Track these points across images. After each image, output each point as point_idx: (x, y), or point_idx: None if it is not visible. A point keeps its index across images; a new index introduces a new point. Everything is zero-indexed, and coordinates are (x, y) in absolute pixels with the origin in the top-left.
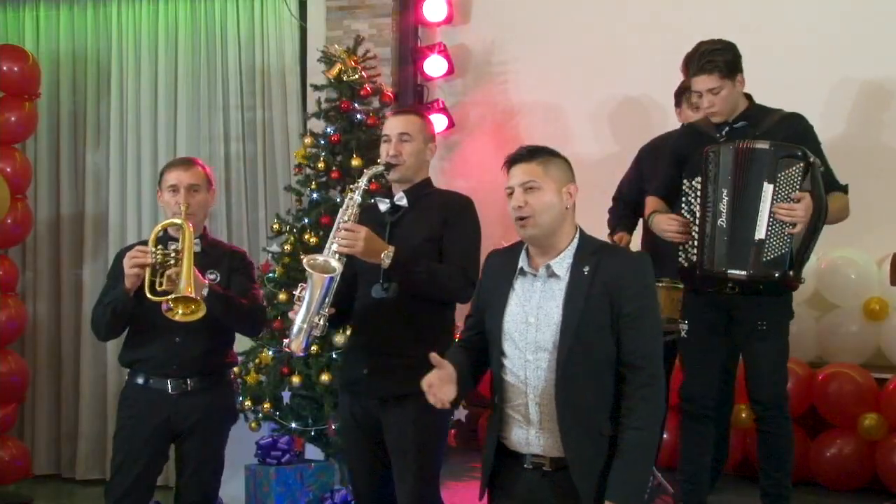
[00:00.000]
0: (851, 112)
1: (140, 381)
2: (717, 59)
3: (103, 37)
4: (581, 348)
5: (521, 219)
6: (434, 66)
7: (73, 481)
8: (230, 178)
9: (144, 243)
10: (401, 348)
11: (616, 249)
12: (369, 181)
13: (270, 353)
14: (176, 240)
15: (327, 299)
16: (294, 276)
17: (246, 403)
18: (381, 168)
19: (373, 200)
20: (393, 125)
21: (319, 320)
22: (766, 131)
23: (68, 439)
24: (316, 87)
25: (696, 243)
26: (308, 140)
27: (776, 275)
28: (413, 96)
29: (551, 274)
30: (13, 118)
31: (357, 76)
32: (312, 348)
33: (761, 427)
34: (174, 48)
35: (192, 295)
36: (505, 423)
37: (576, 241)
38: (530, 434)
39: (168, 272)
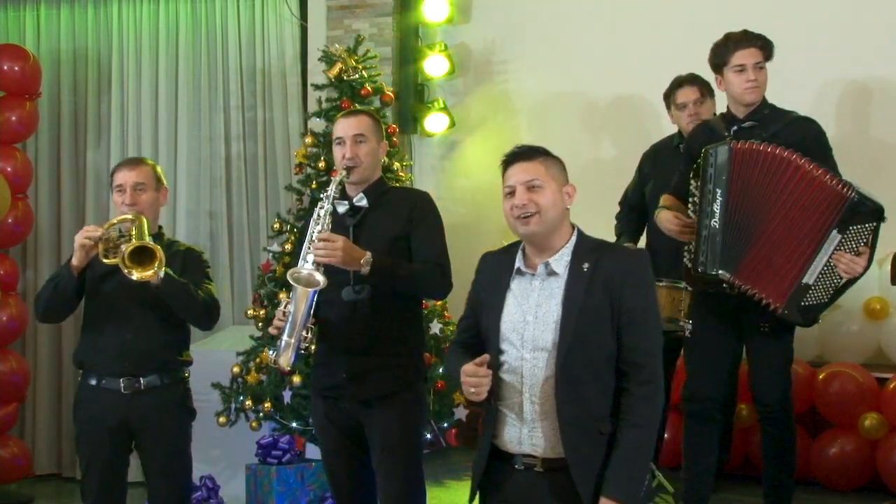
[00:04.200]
0: (846, 111)
1: (93, 382)
2: (764, 39)
3: (104, 36)
4: (581, 346)
5: (525, 216)
6: (435, 65)
7: (73, 480)
8: (231, 178)
9: None
10: (378, 348)
11: (615, 247)
12: (338, 188)
13: (271, 353)
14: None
15: (311, 311)
16: None
17: (247, 403)
18: (345, 173)
19: (327, 204)
20: (346, 127)
21: (307, 333)
22: (776, 133)
23: (69, 439)
24: (316, 87)
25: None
26: (309, 139)
27: (802, 320)
28: (414, 96)
29: (550, 272)
30: (14, 118)
31: (358, 76)
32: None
33: (766, 428)
34: (175, 47)
35: (149, 245)
36: (498, 422)
37: (574, 239)
38: (522, 433)
39: (122, 247)
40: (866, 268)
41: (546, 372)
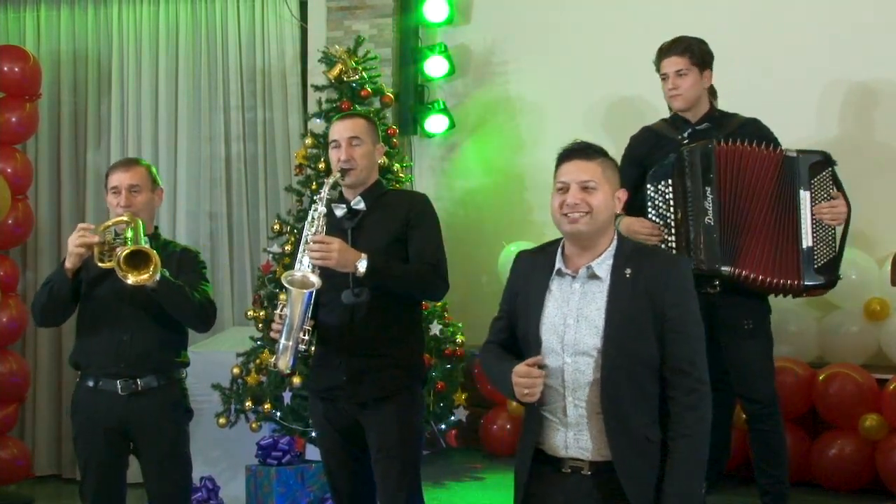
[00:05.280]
0: (848, 112)
1: (90, 384)
2: (690, 44)
3: (104, 37)
4: (624, 352)
5: (575, 216)
6: (435, 66)
7: (73, 482)
8: (231, 179)
9: None
10: (377, 350)
11: (655, 252)
12: (331, 190)
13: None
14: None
15: (308, 313)
16: None
17: (247, 404)
18: (339, 175)
19: (321, 206)
20: (342, 129)
21: (304, 335)
22: (730, 134)
23: (69, 439)
24: (316, 88)
25: (671, 247)
26: (309, 140)
27: (826, 280)
28: (413, 97)
29: (592, 275)
30: (14, 119)
31: (358, 77)
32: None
33: (756, 426)
34: (175, 48)
35: (144, 248)
36: (542, 427)
37: (615, 242)
38: (568, 436)
39: (117, 250)
40: (848, 207)
41: (588, 376)
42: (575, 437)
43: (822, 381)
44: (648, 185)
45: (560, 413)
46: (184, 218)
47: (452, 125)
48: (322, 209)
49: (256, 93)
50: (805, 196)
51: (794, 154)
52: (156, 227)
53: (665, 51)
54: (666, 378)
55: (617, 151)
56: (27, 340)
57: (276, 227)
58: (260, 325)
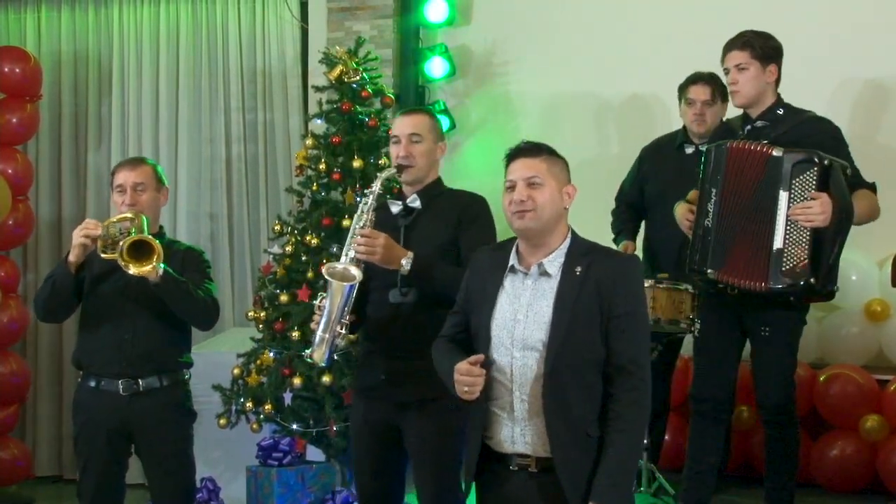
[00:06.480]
0: (851, 113)
1: (92, 384)
2: (753, 39)
3: (105, 38)
4: (570, 348)
5: (522, 211)
6: (435, 67)
7: (74, 482)
8: (231, 180)
9: None
10: (419, 352)
11: (607, 251)
12: (383, 185)
13: (271, 354)
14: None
15: (347, 307)
16: (295, 277)
17: (247, 405)
18: (393, 170)
19: (371, 199)
20: (402, 125)
21: (341, 329)
22: (786, 132)
23: (69, 440)
24: (317, 89)
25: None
26: (309, 141)
27: (801, 283)
28: (414, 98)
29: (543, 272)
30: (15, 119)
31: (358, 78)
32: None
33: (767, 431)
34: (175, 49)
35: (147, 239)
36: (490, 422)
37: (568, 241)
38: (515, 432)
39: (120, 242)
40: (835, 213)
41: (535, 371)
42: (521, 433)
43: (823, 382)
44: None
45: (508, 407)
46: (184, 219)
47: (453, 126)
48: (372, 202)
49: (257, 94)
50: (783, 196)
51: (780, 154)
52: (160, 227)
53: (727, 46)
54: (609, 375)
55: (620, 149)
56: (28, 341)
57: (277, 227)
58: (260, 326)
